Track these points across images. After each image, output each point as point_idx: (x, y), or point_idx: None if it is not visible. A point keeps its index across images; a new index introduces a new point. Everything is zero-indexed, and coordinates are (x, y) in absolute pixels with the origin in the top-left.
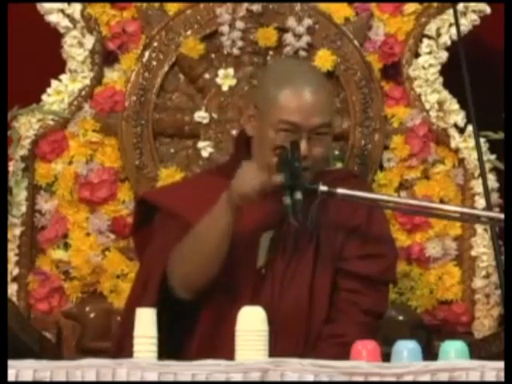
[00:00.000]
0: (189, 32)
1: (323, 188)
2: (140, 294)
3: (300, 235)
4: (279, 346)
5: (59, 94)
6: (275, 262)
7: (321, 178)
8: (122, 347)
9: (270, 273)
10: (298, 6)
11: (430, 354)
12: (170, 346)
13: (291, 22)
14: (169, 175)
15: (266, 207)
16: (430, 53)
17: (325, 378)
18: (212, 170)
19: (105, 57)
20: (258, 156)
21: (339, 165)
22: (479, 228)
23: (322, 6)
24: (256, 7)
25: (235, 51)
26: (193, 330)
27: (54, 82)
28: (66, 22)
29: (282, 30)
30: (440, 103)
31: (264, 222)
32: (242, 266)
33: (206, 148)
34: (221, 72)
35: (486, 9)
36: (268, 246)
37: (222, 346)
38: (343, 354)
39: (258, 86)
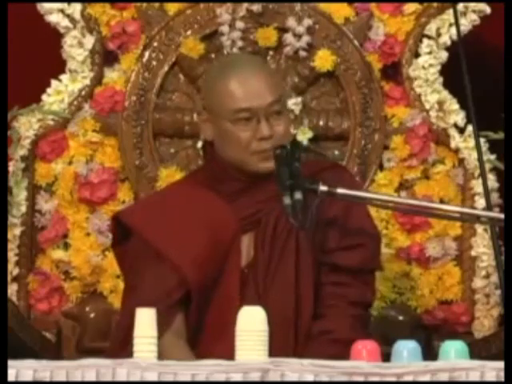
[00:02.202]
0: (189, 32)
1: (323, 188)
2: (123, 339)
3: (279, 233)
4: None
5: (59, 93)
6: (256, 261)
7: (305, 169)
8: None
9: (252, 273)
10: (298, 6)
11: (429, 354)
12: None
13: (291, 22)
14: (169, 175)
15: (240, 212)
16: (430, 53)
17: (325, 378)
18: (182, 180)
19: (105, 57)
20: (232, 156)
21: None
22: (479, 228)
23: (322, 5)
24: (256, 7)
25: (235, 51)
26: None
27: (54, 82)
28: (66, 22)
29: (282, 30)
30: (440, 103)
31: (240, 227)
32: (228, 268)
33: None
34: None
35: (486, 9)
36: (248, 246)
37: (221, 347)
38: (335, 350)
39: (202, 92)
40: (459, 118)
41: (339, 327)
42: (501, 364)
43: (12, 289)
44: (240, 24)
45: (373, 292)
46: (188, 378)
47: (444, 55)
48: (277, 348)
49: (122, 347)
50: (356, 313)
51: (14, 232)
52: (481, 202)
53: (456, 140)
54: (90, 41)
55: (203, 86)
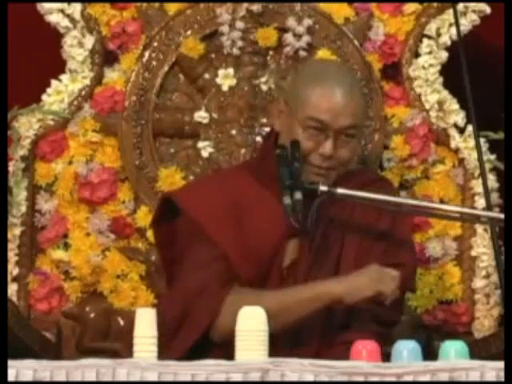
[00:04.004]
0: (189, 32)
1: (323, 188)
2: (177, 324)
3: (326, 239)
4: (296, 347)
5: (59, 93)
6: (298, 264)
7: (347, 181)
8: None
9: (292, 274)
10: (298, 6)
11: (429, 354)
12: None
13: (291, 22)
14: (169, 175)
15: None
16: (430, 53)
17: (325, 378)
18: (239, 167)
19: (105, 57)
20: None
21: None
22: (479, 228)
23: (322, 5)
24: (256, 7)
25: (235, 51)
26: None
27: (54, 82)
28: (66, 22)
29: (282, 30)
30: (440, 103)
31: (287, 231)
32: (271, 267)
33: (205, 148)
34: (221, 72)
35: (486, 9)
36: (292, 250)
37: None
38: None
39: (290, 84)
40: (459, 117)
41: (358, 339)
42: (501, 364)
43: (12, 289)
44: (240, 24)
45: (400, 312)
46: (188, 378)
47: (444, 55)
48: (299, 350)
49: (179, 324)
50: (379, 330)
51: (14, 232)
52: (481, 202)
53: (456, 140)
54: (90, 41)
55: (292, 79)
